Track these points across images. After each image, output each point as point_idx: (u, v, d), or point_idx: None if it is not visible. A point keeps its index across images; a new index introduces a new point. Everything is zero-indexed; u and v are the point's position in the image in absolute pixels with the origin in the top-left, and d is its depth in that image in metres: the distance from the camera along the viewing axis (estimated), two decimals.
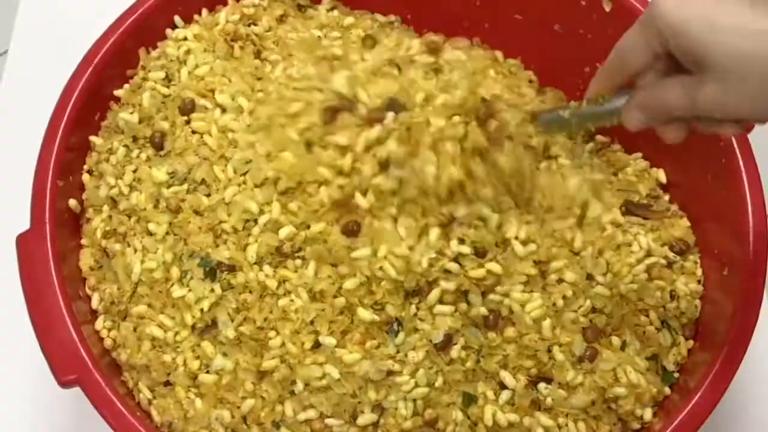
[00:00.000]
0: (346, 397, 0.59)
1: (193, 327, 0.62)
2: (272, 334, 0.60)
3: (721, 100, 0.46)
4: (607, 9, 0.71)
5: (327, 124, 0.60)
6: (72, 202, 0.67)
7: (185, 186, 0.65)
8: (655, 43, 0.50)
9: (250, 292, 0.60)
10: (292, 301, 0.60)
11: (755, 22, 0.45)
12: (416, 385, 0.59)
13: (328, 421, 0.59)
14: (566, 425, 0.61)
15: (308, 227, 0.60)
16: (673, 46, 0.48)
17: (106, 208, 0.67)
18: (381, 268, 0.58)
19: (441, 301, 0.60)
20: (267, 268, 0.61)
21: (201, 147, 0.65)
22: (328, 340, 0.59)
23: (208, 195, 0.64)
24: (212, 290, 0.61)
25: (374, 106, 0.59)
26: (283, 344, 0.60)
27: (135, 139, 0.68)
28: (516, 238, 0.61)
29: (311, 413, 0.59)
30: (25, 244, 0.61)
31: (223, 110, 0.67)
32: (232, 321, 0.61)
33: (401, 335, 0.60)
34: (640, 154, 0.73)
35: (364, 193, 0.59)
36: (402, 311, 0.60)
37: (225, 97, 0.67)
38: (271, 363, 0.59)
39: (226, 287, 0.61)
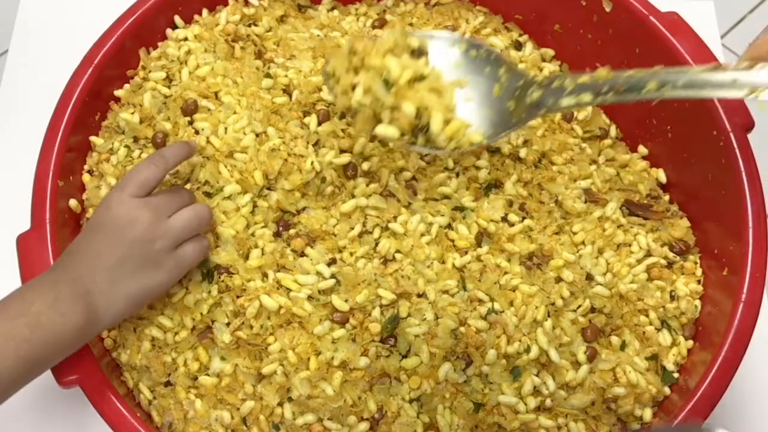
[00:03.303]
0: (345, 406, 0.59)
1: (193, 328, 0.62)
2: (271, 339, 0.60)
3: None
4: (608, 9, 0.71)
5: None
6: (72, 202, 0.67)
7: (188, 186, 0.65)
8: None
9: (250, 298, 0.60)
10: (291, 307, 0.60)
11: None
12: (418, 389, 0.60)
13: (327, 423, 0.60)
14: (566, 425, 0.61)
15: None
16: None
17: None
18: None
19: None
20: (269, 273, 0.62)
21: (206, 147, 0.65)
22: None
23: (210, 195, 0.64)
24: (209, 292, 0.61)
25: None
26: (282, 350, 0.60)
27: (136, 139, 0.68)
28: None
29: (309, 417, 0.60)
30: (25, 244, 0.61)
31: (229, 110, 0.67)
32: (228, 325, 0.61)
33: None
34: (640, 154, 0.73)
35: None
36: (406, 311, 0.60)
37: (231, 98, 0.67)
38: (271, 367, 0.60)
39: (223, 290, 0.61)
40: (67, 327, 0.52)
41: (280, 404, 0.60)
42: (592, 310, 0.63)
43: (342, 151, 0.66)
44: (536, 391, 0.61)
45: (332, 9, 0.79)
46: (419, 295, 0.62)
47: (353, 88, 0.50)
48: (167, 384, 0.63)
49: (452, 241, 0.65)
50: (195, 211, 0.59)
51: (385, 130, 0.49)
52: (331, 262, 0.63)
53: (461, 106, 0.51)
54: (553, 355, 0.61)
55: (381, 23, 0.77)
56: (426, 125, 0.48)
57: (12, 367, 0.50)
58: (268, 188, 0.65)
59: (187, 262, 0.59)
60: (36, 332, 0.51)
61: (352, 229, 0.64)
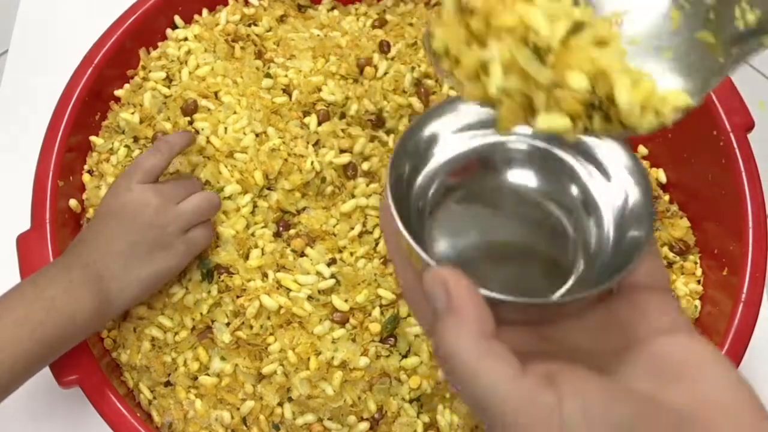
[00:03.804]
0: (345, 406, 0.59)
1: (193, 328, 0.62)
2: (271, 339, 0.60)
3: None
4: None
5: None
6: (72, 202, 0.67)
7: None
8: None
9: (250, 298, 0.60)
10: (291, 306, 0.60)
11: None
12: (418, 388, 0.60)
13: (327, 423, 0.59)
14: None
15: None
16: None
17: None
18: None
19: None
20: (269, 273, 0.62)
21: (206, 147, 0.65)
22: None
23: None
24: (209, 292, 0.61)
25: None
26: (282, 350, 0.60)
27: (136, 139, 0.68)
28: None
29: (309, 417, 0.60)
30: (25, 244, 0.61)
31: (229, 110, 0.67)
32: (228, 325, 0.61)
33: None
34: (640, 154, 0.73)
35: None
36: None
37: (231, 98, 0.68)
38: (271, 367, 0.59)
39: (223, 290, 0.61)
40: (80, 312, 0.53)
41: (280, 404, 0.60)
42: None
43: (342, 151, 0.66)
44: None
45: (332, 9, 0.79)
46: None
47: (483, 67, 0.32)
48: (167, 384, 0.62)
49: None
50: (205, 196, 0.60)
51: (551, 122, 0.31)
52: (331, 262, 0.63)
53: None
54: None
55: (381, 23, 0.77)
56: (602, 100, 0.31)
57: (28, 350, 0.51)
58: (268, 188, 0.65)
59: (196, 246, 0.60)
60: (51, 316, 0.52)
61: (352, 229, 0.64)
